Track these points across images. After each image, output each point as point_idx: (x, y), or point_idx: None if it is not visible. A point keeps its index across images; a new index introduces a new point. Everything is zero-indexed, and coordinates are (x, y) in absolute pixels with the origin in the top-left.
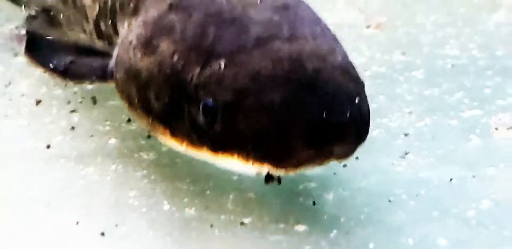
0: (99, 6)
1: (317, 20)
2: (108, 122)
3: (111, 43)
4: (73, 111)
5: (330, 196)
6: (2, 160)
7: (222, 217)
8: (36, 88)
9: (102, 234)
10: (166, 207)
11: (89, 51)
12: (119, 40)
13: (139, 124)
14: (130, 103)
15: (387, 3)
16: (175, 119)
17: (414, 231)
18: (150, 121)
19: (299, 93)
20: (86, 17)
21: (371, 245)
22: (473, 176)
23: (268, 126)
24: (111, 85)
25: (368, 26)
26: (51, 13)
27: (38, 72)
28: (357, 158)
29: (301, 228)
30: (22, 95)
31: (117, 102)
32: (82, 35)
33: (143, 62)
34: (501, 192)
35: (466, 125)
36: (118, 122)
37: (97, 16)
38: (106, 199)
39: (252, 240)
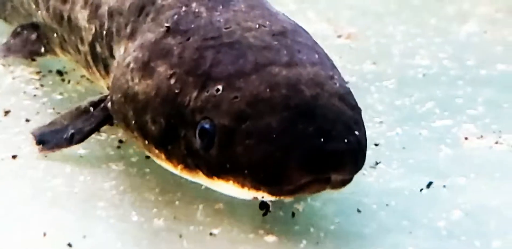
0: (95, 29)
1: (314, 46)
2: None
3: (106, 66)
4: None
5: (300, 207)
6: None
7: (191, 227)
8: (4, 99)
9: (69, 245)
10: (135, 217)
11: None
12: (115, 63)
13: (136, 146)
14: (126, 126)
15: (357, 14)
16: (171, 143)
17: (384, 241)
18: (146, 143)
19: (296, 120)
20: (82, 39)
21: None
22: (444, 186)
23: (265, 152)
24: (80, 96)
25: (339, 36)
26: (40, 30)
27: (6, 82)
28: None
29: (271, 238)
30: None
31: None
32: (76, 56)
33: (140, 86)
34: (471, 202)
35: (436, 135)
36: None
37: (92, 38)
38: (74, 210)
39: None
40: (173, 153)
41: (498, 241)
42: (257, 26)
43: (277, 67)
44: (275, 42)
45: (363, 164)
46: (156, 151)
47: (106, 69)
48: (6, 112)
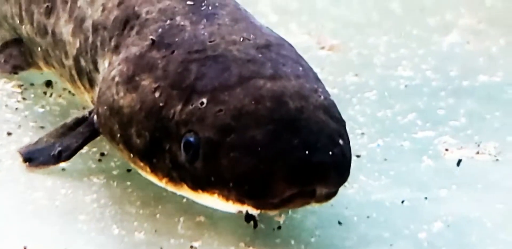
0: (80, 43)
1: (299, 60)
2: None
3: (91, 80)
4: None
5: (281, 219)
6: None
7: (172, 240)
8: None
9: None
10: (116, 231)
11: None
12: (100, 77)
13: (122, 158)
14: (112, 138)
15: (340, 25)
16: (155, 156)
17: None
18: (131, 156)
19: (281, 132)
20: (66, 53)
21: None
22: (425, 198)
23: (250, 165)
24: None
25: (322, 48)
26: (23, 45)
27: None
28: None
29: None
30: None
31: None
32: (60, 70)
33: (125, 100)
34: (453, 213)
35: (418, 146)
36: None
37: (77, 52)
38: (55, 224)
39: None
40: (158, 166)
41: None
42: (242, 39)
43: (261, 80)
44: (260, 55)
45: (348, 176)
46: (141, 164)
47: (91, 83)
48: None
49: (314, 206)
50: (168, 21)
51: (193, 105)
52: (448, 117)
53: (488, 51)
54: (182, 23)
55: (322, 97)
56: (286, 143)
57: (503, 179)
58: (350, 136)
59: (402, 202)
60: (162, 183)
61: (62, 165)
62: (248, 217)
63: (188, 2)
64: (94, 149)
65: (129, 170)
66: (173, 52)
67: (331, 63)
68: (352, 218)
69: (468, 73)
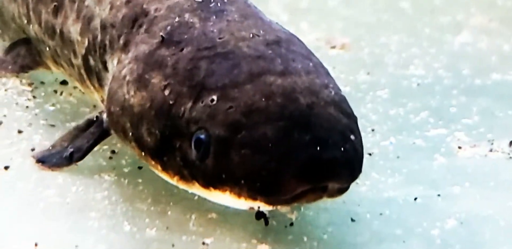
0: (88, 42)
1: (309, 55)
2: None
3: (100, 79)
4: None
5: (293, 216)
6: None
7: (184, 237)
8: None
9: None
10: (127, 228)
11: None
12: (109, 76)
13: (133, 156)
14: (124, 137)
15: (350, 25)
16: (166, 154)
17: None
18: (143, 155)
19: (292, 129)
20: (75, 52)
21: None
22: (438, 195)
23: (261, 162)
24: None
25: (332, 47)
26: (32, 44)
27: None
28: None
29: (263, 247)
30: None
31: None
32: (69, 69)
33: (135, 98)
34: (466, 211)
35: (431, 144)
36: None
37: (86, 51)
38: (66, 221)
39: None
40: (169, 164)
41: None
42: (251, 35)
43: (271, 76)
44: (270, 51)
45: (360, 172)
46: (153, 162)
47: (100, 82)
48: None
49: (325, 201)
50: (177, 18)
51: (203, 103)
52: (461, 115)
53: (500, 49)
54: (191, 20)
55: (333, 92)
56: (297, 140)
57: None
58: (362, 133)
59: (415, 199)
60: (174, 181)
61: None
62: (259, 214)
63: None
64: (105, 147)
65: (140, 167)
66: (182, 49)
67: (342, 62)
68: (365, 215)
69: (481, 71)
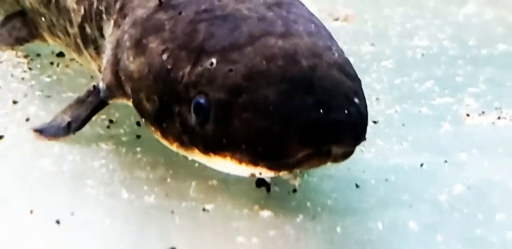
0: (84, 9)
1: (311, 17)
2: None
3: (97, 47)
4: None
5: (296, 183)
6: None
7: (183, 204)
8: None
9: (58, 222)
10: (125, 195)
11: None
12: (106, 43)
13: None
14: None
15: None
16: (165, 120)
17: (383, 215)
18: (143, 121)
19: (294, 91)
20: (71, 21)
21: (338, 229)
22: (445, 161)
23: (263, 125)
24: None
25: (336, 19)
26: (28, 16)
27: None
28: None
29: (266, 213)
30: None
31: (74, 94)
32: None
33: (134, 64)
34: (474, 176)
35: (437, 112)
36: None
37: (82, 19)
38: (62, 189)
39: (214, 226)
40: (168, 130)
41: (502, 213)
42: None
43: (272, 38)
44: (270, 13)
45: (364, 135)
46: (153, 128)
47: (97, 50)
48: None
49: (328, 167)
50: None
51: (203, 66)
52: (467, 84)
53: (506, 20)
54: None
55: (336, 55)
56: (299, 102)
57: None
58: (367, 102)
59: (421, 165)
60: (174, 147)
61: None
62: (260, 182)
63: None
64: (103, 116)
65: (138, 136)
66: (180, 13)
67: (346, 34)
68: (370, 181)
69: (487, 42)
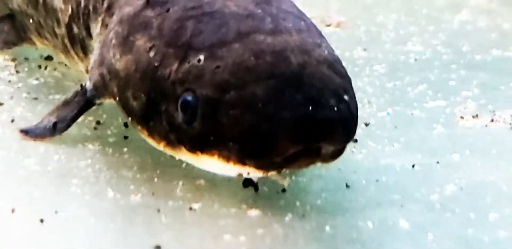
0: (72, 9)
1: (300, 15)
2: None
3: (84, 47)
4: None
5: (285, 182)
6: None
7: (170, 203)
8: None
9: (41, 220)
10: (111, 194)
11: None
12: (93, 43)
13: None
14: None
15: (346, 4)
16: (152, 119)
17: (374, 214)
18: (130, 120)
19: (283, 88)
20: (58, 21)
21: (327, 228)
22: (437, 163)
23: (251, 122)
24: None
25: (328, 25)
26: (16, 20)
27: None
28: None
29: (254, 212)
30: None
31: (61, 97)
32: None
33: (121, 62)
34: (466, 177)
35: (430, 115)
36: None
37: (69, 19)
38: (47, 188)
39: (200, 225)
40: (155, 129)
41: (495, 213)
42: None
43: (261, 35)
44: (259, 10)
45: (354, 133)
46: (139, 127)
47: (84, 51)
48: None
49: (318, 167)
50: None
51: (190, 63)
52: (461, 88)
53: (500, 28)
54: None
55: (326, 52)
56: (288, 99)
57: None
58: (358, 105)
59: (413, 166)
60: (161, 147)
61: None
62: (247, 182)
63: None
64: (90, 118)
65: (126, 137)
66: (168, 10)
67: (338, 39)
68: (361, 181)
69: (481, 47)
